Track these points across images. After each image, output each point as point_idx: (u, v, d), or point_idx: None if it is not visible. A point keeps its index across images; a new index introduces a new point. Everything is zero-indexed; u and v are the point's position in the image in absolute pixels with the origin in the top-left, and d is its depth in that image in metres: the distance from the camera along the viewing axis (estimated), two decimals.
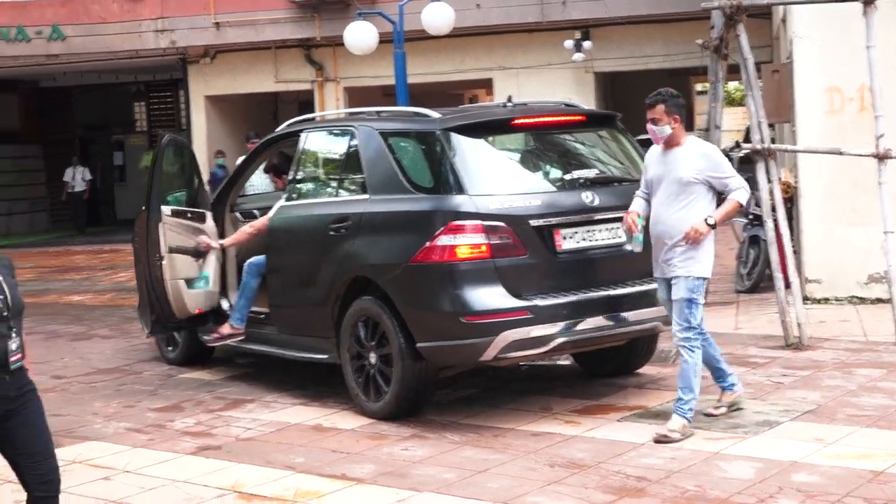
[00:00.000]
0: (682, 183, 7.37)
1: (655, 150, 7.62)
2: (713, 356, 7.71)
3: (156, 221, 9.46)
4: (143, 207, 9.65)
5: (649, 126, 7.48)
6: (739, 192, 7.39)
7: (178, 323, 9.85)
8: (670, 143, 7.47)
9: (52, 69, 27.64)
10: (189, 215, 9.85)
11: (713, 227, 7.34)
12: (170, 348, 10.74)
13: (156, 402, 9.24)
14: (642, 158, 8.71)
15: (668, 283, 7.49)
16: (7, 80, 29.18)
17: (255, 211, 10.50)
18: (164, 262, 9.48)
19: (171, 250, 9.52)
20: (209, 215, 10.00)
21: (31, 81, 30.64)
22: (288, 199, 9.24)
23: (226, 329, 9.70)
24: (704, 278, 7.41)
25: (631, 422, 7.72)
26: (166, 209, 9.58)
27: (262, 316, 9.56)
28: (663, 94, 7.49)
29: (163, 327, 9.88)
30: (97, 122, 32.10)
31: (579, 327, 7.76)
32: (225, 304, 10.02)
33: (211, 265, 9.86)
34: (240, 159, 11.41)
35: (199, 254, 9.76)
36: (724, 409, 7.72)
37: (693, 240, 7.32)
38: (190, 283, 9.72)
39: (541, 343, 7.65)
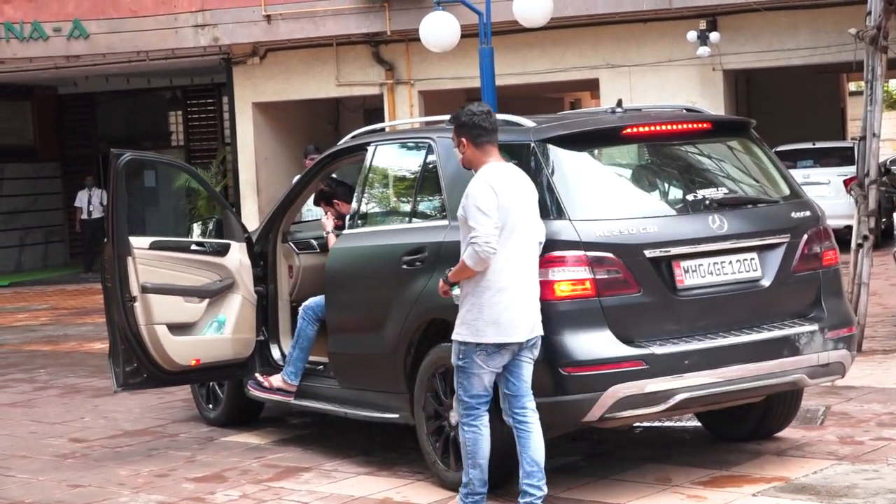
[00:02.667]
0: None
1: None
2: (524, 454, 7.35)
3: (124, 255, 9.50)
4: (105, 239, 9.71)
5: None
6: (468, 251, 7.15)
7: (171, 376, 9.86)
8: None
9: (72, 73, 28.13)
10: (194, 247, 9.95)
11: (450, 285, 7.27)
12: (210, 406, 10.86)
13: (193, 471, 9.34)
14: (782, 175, 8.68)
15: None
16: (21, 85, 29.70)
17: (312, 241, 10.58)
18: (136, 304, 9.52)
19: (147, 289, 9.56)
20: (236, 247, 9.99)
21: (49, 87, 31.19)
22: (351, 227, 9.32)
23: (276, 381, 9.76)
24: (475, 343, 7.16)
25: (769, 496, 7.64)
26: (142, 240, 9.62)
27: (320, 367, 9.64)
28: (455, 114, 7.48)
29: (147, 381, 9.86)
30: (125, 134, 32.49)
31: (705, 380, 7.71)
32: (276, 353, 10.11)
33: (232, 306, 9.89)
34: (295, 178, 11.50)
35: (206, 293, 9.78)
36: None
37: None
38: (189, 328, 9.79)
39: (658, 400, 7.61)
